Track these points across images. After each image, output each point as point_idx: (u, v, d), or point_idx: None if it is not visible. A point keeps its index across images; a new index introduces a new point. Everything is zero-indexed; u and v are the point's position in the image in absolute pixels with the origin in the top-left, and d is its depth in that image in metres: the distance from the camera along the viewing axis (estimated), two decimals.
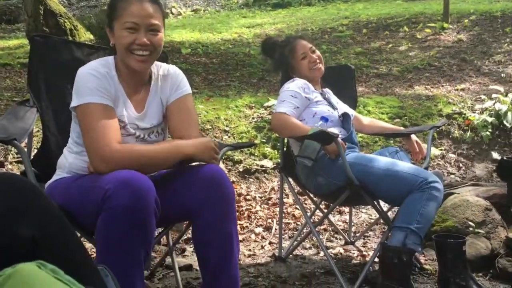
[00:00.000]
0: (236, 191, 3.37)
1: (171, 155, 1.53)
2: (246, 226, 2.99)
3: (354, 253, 2.69)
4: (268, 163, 3.68)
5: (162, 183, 1.53)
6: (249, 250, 2.70)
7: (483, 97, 4.62)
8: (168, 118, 1.70)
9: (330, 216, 2.97)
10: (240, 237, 2.83)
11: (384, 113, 4.42)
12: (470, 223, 2.57)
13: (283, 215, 3.08)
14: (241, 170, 3.58)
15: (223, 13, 11.72)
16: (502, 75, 5.42)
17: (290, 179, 2.54)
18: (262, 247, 2.74)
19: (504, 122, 4.03)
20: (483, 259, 2.41)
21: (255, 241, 2.84)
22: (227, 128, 3.93)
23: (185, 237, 2.62)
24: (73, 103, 1.56)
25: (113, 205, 1.33)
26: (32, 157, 1.93)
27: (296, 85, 2.39)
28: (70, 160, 1.63)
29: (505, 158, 2.76)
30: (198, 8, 12.30)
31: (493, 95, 4.47)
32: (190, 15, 11.76)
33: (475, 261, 2.36)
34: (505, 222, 2.64)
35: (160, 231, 1.84)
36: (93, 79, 1.55)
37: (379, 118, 4.28)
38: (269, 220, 3.09)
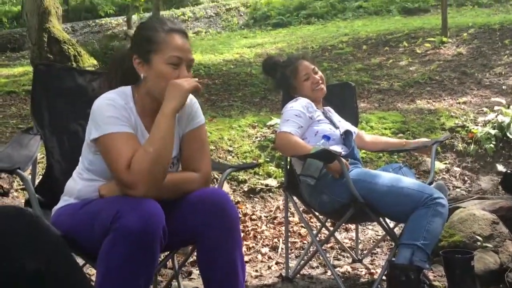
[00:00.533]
0: (242, 211, 3.37)
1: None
2: (253, 247, 2.97)
3: (362, 271, 2.66)
4: (272, 182, 3.68)
5: (168, 207, 1.53)
6: (256, 271, 2.68)
7: (485, 109, 4.62)
8: (182, 148, 1.68)
9: (336, 234, 2.95)
10: (247, 258, 2.81)
11: (387, 128, 4.43)
12: (478, 237, 2.55)
13: (289, 234, 3.07)
14: (246, 189, 3.58)
15: (224, 34, 11.86)
16: (503, 87, 5.43)
17: (295, 198, 2.54)
18: (269, 268, 2.73)
19: (508, 134, 4.03)
20: (492, 274, 2.38)
21: (261, 261, 2.82)
22: (230, 148, 3.94)
23: (191, 260, 2.60)
24: (94, 135, 1.52)
25: (121, 226, 1.32)
26: (36, 184, 1.94)
27: (300, 104, 2.41)
28: (79, 186, 1.62)
29: (509, 171, 2.75)
30: (199, 30, 12.46)
31: (495, 107, 4.47)
32: (192, 37, 11.85)
33: (484, 276, 2.33)
34: None
35: (166, 254, 1.84)
36: (112, 109, 1.52)
37: (382, 134, 4.29)
38: (275, 240, 3.07)
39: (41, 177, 2.02)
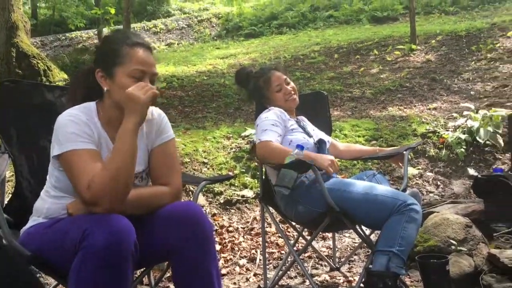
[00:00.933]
0: (218, 223, 3.34)
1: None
2: (230, 259, 2.95)
3: (340, 279, 2.67)
4: (248, 193, 3.67)
5: (140, 223, 1.51)
6: (234, 283, 2.66)
7: (455, 115, 4.72)
8: (150, 163, 1.67)
9: (314, 243, 2.96)
10: (224, 271, 2.78)
11: (361, 136, 4.48)
12: (452, 241, 2.58)
13: (267, 244, 3.06)
14: (222, 201, 3.56)
15: (197, 46, 11.85)
16: (472, 92, 5.57)
17: (271, 208, 2.53)
18: (247, 280, 2.71)
19: (477, 138, 4.12)
20: (467, 277, 2.41)
21: (239, 273, 2.80)
22: (205, 160, 3.92)
23: (168, 275, 2.56)
24: (55, 152, 1.51)
25: (90, 243, 1.30)
26: (5, 203, 1.88)
27: (274, 114, 2.42)
28: (48, 205, 1.59)
29: (479, 175, 2.81)
30: (172, 42, 12.42)
31: (465, 112, 4.58)
32: (164, 49, 11.85)
33: (459, 279, 2.36)
34: (485, 238, 2.66)
35: (141, 270, 1.80)
36: (74, 125, 1.51)
37: (355, 141, 4.33)
38: (253, 251, 3.06)
39: (10, 195, 1.96)
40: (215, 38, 12.40)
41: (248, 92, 2.68)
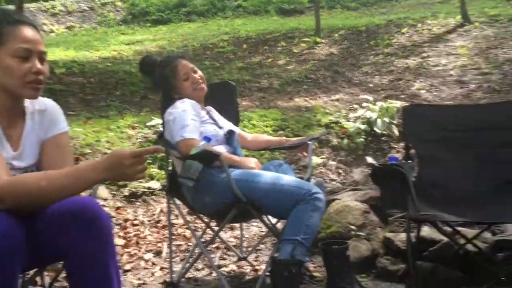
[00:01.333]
0: (123, 217, 3.21)
1: (75, 181, 1.35)
2: (135, 253, 2.84)
3: (247, 269, 2.69)
4: (155, 185, 3.57)
5: (32, 221, 1.39)
6: (139, 279, 2.57)
7: (355, 106, 4.97)
8: (42, 156, 1.56)
9: (222, 234, 2.95)
10: (129, 266, 2.68)
11: (268, 126, 4.55)
12: (352, 227, 2.72)
13: (174, 237, 3.00)
14: (127, 194, 3.42)
15: (100, 30, 11.29)
16: (370, 85, 5.90)
17: (179, 200, 2.48)
18: (153, 274, 2.63)
19: (375, 128, 4.37)
20: (366, 260, 2.55)
21: (145, 268, 2.71)
22: (108, 151, 3.74)
23: (65, 275, 2.41)
24: None
25: None
26: None
27: (190, 106, 2.37)
28: None
29: (376, 164, 2.97)
30: (72, 25, 11.71)
31: (364, 104, 4.83)
32: (64, 33, 11.14)
33: (358, 262, 2.49)
34: (382, 223, 2.83)
35: (34, 271, 1.67)
36: None
37: (263, 131, 4.39)
38: (159, 244, 2.98)
39: None
40: (120, 23, 11.90)
41: (154, 81, 2.59)
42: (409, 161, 2.49)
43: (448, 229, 2.36)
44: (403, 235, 2.56)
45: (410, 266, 2.20)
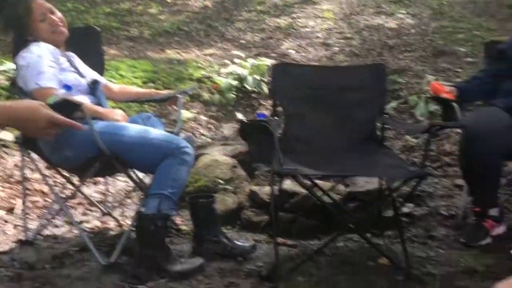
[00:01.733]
0: None
1: None
2: None
3: (111, 224, 2.61)
4: (7, 136, 3.23)
5: None
6: None
7: (227, 61, 4.98)
8: None
9: (85, 188, 2.80)
10: None
11: (138, 78, 4.36)
12: (220, 181, 2.77)
13: (31, 192, 2.78)
14: None
15: None
16: (242, 41, 5.94)
17: (35, 154, 2.28)
18: (5, 233, 2.42)
19: (245, 85, 4.45)
20: (232, 212, 2.64)
21: None
22: None
23: None
24: None
25: None
26: None
27: (47, 50, 2.15)
28: None
29: (245, 120, 3.04)
30: None
31: (236, 60, 4.87)
32: None
33: (225, 215, 2.57)
34: (249, 177, 2.93)
35: None
36: None
37: (132, 83, 4.20)
38: (13, 201, 2.74)
39: None
40: None
41: (3, 20, 2.29)
42: (276, 118, 2.58)
43: (308, 182, 2.52)
44: (267, 188, 2.69)
45: (272, 217, 2.33)
